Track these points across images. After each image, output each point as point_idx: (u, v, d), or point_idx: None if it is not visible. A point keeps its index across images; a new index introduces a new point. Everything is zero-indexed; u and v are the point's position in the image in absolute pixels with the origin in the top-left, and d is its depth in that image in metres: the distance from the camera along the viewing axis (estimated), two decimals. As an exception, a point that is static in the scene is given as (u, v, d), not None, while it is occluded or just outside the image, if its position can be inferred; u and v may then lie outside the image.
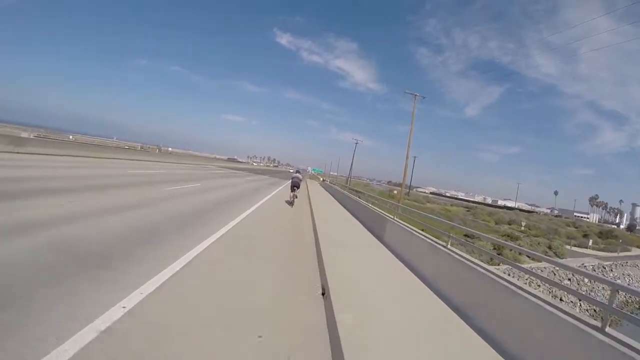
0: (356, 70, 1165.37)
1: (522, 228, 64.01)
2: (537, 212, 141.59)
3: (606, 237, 71.66)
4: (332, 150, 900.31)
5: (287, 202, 20.94)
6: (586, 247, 52.10)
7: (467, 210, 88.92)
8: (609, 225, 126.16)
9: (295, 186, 20.76)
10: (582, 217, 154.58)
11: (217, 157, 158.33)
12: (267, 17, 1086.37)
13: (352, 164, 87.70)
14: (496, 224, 71.57)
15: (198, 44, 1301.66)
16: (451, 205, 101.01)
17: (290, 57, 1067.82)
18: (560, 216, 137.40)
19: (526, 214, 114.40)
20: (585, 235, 68.82)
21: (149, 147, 79.31)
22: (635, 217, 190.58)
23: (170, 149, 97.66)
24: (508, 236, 42.33)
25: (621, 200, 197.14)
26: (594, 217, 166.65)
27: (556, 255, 38.30)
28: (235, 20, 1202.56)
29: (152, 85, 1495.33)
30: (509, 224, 73.41)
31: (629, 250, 63.64)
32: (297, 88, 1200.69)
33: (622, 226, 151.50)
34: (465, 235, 30.15)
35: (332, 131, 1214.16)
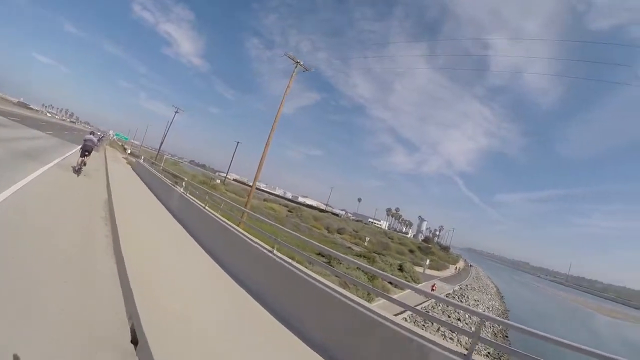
0: (184, 41, 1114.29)
1: (366, 243, 67.00)
2: (338, 215, 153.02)
3: (425, 252, 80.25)
4: (138, 117, 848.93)
5: (73, 168, 18.95)
6: (420, 266, 58.16)
7: (290, 212, 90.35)
8: (403, 235, 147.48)
9: (86, 151, 19.40)
10: (375, 222, 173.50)
11: (7, 97, 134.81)
12: None
13: (164, 137, 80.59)
14: (328, 232, 74.44)
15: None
16: (264, 200, 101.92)
17: (121, 4, 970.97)
18: (360, 221, 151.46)
19: (357, 222, 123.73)
20: (412, 252, 76.37)
21: None
22: (422, 229, 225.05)
23: None
24: (362, 256, 43.53)
25: (420, 216, 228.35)
26: (385, 224, 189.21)
27: (412, 279, 40.94)
28: None
29: None
30: (339, 233, 77.06)
31: (447, 268, 74.31)
32: (119, 42, 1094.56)
33: (410, 235, 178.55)
34: (319, 254, 28.96)
35: (142, 97, 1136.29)
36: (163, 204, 17.71)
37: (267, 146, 32.05)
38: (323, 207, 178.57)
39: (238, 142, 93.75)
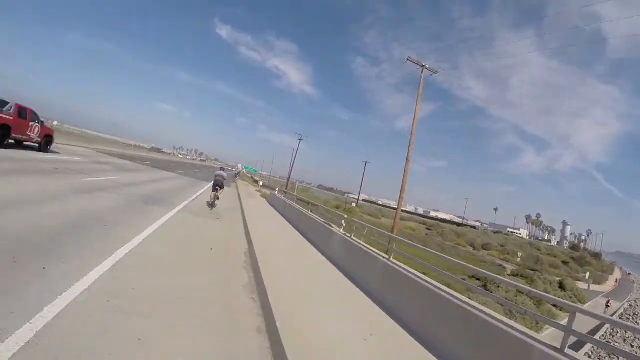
0: (293, 72, 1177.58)
1: (519, 259, 58.83)
2: (475, 227, 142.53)
3: (580, 264, 69.64)
4: (262, 149, 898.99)
5: (208, 203, 19.07)
6: (579, 280, 49.28)
7: (429, 229, 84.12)
8: (547, 243, 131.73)
9: (217, 186, 19.49)
10: (514, 232, 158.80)
11: (141, 145, 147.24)
12: (210, 6, 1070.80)
13: (292, 165, 79.77)
14: (474, 248, 67.80)
15: (134, 23, 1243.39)
16: (400, 218, 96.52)
17: (228, 50, 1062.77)
18: (499, 232, 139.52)
19: (497, 234, 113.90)
20: (565, 263, 66.44)
21: None
22: (566, 234, 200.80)
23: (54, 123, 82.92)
24: (519, 276, 36.31)
25: (565, 221, 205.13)
26: (524, 233, 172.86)
27: (577, 298, 33.66)
28: (176, 4, 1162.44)
29: (82, 63, 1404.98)
30: (484, 249, 69.71)
31: (606, 279, 63.05)
32: (232, 83, 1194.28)
33: (553, 242, 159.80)
34: (472, 277, 24.40)
35: (262, 130, 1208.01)
36: (313, 244, 13.51)
37: (408, 162, 28.05)
38: (457, 220, 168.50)
39: (366, 162, 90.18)
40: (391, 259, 8.86)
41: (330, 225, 13.35)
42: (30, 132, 20.09)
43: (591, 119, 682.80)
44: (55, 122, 63.30)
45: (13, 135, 18.63)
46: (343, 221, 12.89)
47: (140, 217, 11.12)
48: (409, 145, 28.41)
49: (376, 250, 9.81)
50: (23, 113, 19.23)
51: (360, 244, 10.49)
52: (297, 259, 10.65)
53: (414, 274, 7.65)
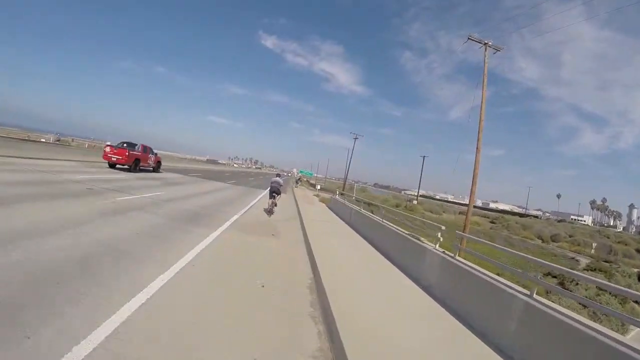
0: (341, 73, 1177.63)
1: (593, 251, 53.37)
2: (537, 217, 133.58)
3: None
4: (316, 152, 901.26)
5: (265, 210, 18.23)
6: None
7: (492, 222, 78.24)
8: (613, 229, 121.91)
9: (274, 192, 18.99)
10: (578, 219, 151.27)
11: (197, 158, 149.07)
12: (252, 20, 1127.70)
13: (348, 165, 76.67)
14: (543, 241, 62.25)
15: (183, 46, 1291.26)
16: (459, 213, 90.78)
17: (275, 59, 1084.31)
18: (563, 220, 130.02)
19: (561, 223, 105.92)
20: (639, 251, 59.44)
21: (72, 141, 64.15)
22: (632, 219, 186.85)
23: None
24: (597, 270, 31.45)
25: (632, 204, 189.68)
26: (589, 220, 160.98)
27: None
28: (220, 22, 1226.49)
29: (136, 87, 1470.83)
30: (553, 240, 63.94)
31: None
32: (282, 90, 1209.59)
33: (619, 229, 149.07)
34: (548, 274, 22.38)
35: (315, 133, 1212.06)
36: (397, 264, 10.30)
37: (478, 151, 24.66)
38: (517, 210, 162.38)
39: (424, 157, 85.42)
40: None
41: (419, 240, 10.03)
42: (149, 161, 29.22)
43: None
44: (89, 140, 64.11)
45: (141, 165, 27.56)
46: (439, 234, 9.23)
47: (172, 244, 8.54)
48: (478, 133, 24.84)
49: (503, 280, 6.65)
50: (145, 149, 28.36)
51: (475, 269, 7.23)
52: (382, 290, 7.58)
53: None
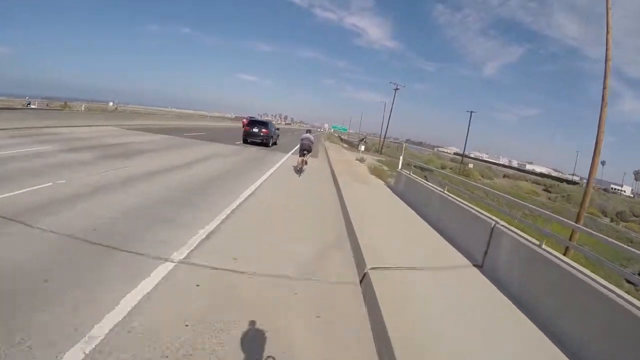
0: (372, 28, 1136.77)
1: None
2: (577, 183, 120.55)
3: None
4: (348, 109, 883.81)
5: (295, 169, 16.19)
6: None
7: (547, 191, 67.08)
8: None
9: (305, 150, 15.91)
10: (618, 189, 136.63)
11: (225, 115, 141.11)
12: None
13: (388, 121, 66.20)
14: (612, 220, 51.71)
15: (207, 4, 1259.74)
16: (503, 176, 79.44)
17: (304, 14, 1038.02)
18: (606, 190, 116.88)
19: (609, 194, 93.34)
20: None
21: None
22: None
23: (126, 106, 76.37)
24: None
25: None
26: (629, 190, 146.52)
27: None
28: None
29: (165, 50, 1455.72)
30: (621, 219, 53.20)
31: None
32: (312, 46, 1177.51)
33: None
34: None
35: (348, 89, 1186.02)
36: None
37: (605, 106, 16.57)
38: (554, 174, 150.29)
39: (472, 112, 73.30)
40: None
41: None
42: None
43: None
44: (111, 103, 61.43)
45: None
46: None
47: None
48: (605, 79, 16.65)
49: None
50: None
51: None
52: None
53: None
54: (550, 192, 67.79)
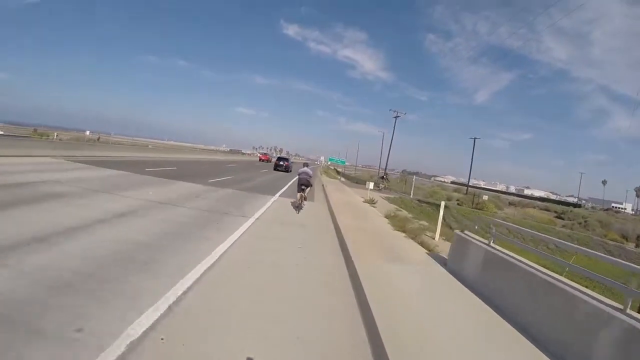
0: (365, 60, 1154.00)
1: None
2: (581, 205, 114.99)
3: None
4: (342, 140, 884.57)
5: (293, 206, 15.08)
6: None
7: (559, 217, 61.03)
8: None
9: (303, 185, 14.87)
10: (619, 208, 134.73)
11: (220, 149, 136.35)
12: (273, 9, 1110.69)
13: (389, 152, 60.21)
14: (627, 241, 45.91)
15: (205, 39, 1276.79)
16: (509, 204, 73.31)
17: (298, 47, 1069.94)
18: (609, 209, 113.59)
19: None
20: None
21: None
22: None
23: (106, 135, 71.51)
24: None
25: None
26: (629, 207, 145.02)
27: None
28: (240, 14, 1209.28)
29: (161, 82, 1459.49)
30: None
31: None
32: (306, 78, 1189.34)
33: None
34: None
35: (342, 121, 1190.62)
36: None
37: None
38: (552, 197, 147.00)
39: (475, 139, 68.26)
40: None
41: None
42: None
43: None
44: (87, 132, 58.32)
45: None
46: None
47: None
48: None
49: None
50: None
51: None
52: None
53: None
54: (562, 218, 61.66)
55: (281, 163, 42.68)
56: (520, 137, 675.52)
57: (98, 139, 49.08)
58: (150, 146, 53.08)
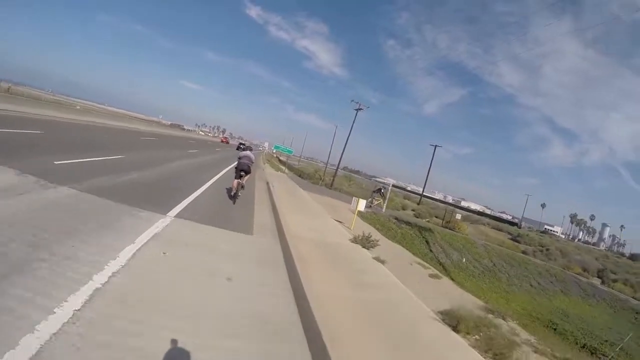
0: (322, 53, 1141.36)
1: None
2: (518, 225, 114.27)
3: None
4: (289, 129, 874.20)
5: (228, 195, 12.58)
6: None
7: (515, 241, 55.44)
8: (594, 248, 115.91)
9: (242, 170, 11.96)
10: (551, 230, 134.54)
11: (162, 121, 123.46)
12: None
13: (343, 149, 52.56)
14: (603, 282, 40.94)
15: (163, 3, 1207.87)
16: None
17: (257, 30, 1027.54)
18: (544, 232, 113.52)
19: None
20: None
21: None
22: (604, 237, 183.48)
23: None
24: None
25: (604, 223, 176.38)
26: (559, 231, 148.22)
27: None
28: None
29: (110, 42, 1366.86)
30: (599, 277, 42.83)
31: None
32: (261, 63, 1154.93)
33: (601, 247, 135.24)
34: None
35: (290, 110, 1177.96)
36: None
37: None
38: (487, 212, 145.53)
39: (435, 146, 61.80)
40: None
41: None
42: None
43: (624, 114, 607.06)
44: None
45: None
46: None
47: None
48: None
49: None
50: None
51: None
52: None
53: None
54: (517, 242, 56.44)
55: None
56: (463, 151, 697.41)
57: (8, 90, 36.40)
58: (78, 107, 43.47)
